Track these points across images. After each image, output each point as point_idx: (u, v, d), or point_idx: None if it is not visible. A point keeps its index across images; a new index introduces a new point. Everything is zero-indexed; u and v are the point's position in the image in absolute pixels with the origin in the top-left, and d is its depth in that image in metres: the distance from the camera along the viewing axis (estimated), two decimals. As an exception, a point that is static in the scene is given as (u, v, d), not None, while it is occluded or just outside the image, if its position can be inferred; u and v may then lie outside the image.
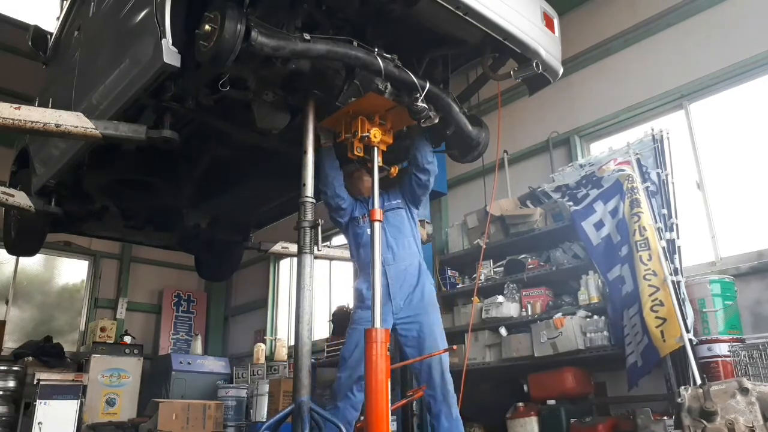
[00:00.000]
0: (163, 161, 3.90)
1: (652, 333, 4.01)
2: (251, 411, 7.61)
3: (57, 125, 2.99)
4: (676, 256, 4.17)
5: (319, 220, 3.00)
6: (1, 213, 5.45)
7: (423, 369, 3.23)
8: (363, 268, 3.48)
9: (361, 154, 3.06)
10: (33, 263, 9.15)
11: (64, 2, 4.64)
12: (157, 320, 10.17)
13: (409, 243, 3.47)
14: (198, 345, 9.43)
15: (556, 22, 3.46)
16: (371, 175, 3.29)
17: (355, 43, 2.81)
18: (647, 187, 4.45)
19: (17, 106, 3.02)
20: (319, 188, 3.32)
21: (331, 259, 6.56)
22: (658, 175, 4.46)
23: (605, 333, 4.52)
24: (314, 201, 3.06)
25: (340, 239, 8.14)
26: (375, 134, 2.99)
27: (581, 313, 4.74)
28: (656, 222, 4.29)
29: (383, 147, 3.07)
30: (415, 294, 3.36)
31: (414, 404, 4.87)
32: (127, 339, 8.49)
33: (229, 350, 10.21)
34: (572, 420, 4.46)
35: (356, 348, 3.20)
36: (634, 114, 5.51)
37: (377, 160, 3.02)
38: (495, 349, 5.28)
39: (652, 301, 4.05)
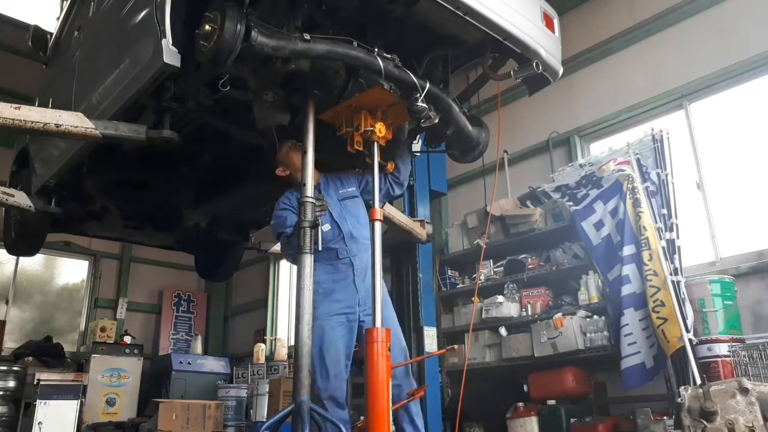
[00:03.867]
0: (163, 161, 3.89)
1: (656, 334, 4.01)
2: (251, 411, 7.61)
3: (57, 125, 2.99)
4: (676, 256, 4.17)
5: (320, 220, 3.00)
6: (1, 213, 5.45)
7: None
8: (320, 260, 3.09)
9: (361, 149, 3.05)
10: (33, 263, 9.14)
11: (64, 2, 4.64)
12: (157, 320, 10.16)
13: (366, 235, 3.29)
14: (198, 345, 9.43)
15: (556, 22, 3.45)
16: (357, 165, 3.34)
17: (355, 43, 2.81)
18: (647, 187, 4.44)
19: (17, 106, 3.01)
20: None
21: (331, 259, 6.54)
22: (658, 175, 4.46)
23: (605, 333, 4.52)
24: (314, 201, 3.05)
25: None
26: (380, 129, 2.99)
27: (581, 313, 4.74)
28: (656, 222, 4.29)
29: (383, 143, 3.07)
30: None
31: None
32: (127, 339, 8.49)
33: (229, 350, 10.21)
34: (572, 420, 4.46)
35: (332, 345, 3.05)
36: (634, 114, 5.51)
37: (377, 156, 3.02)
38: (495, 349, 5.28)
39: (654, 301, 4.05)
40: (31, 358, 7.77)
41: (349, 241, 3.20)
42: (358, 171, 3.56)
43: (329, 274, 3.19)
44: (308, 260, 2.93)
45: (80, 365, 8.10)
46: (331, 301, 3.14)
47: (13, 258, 8.53)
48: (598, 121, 5.78)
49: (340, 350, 3.04)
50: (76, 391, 7.01)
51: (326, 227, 3.12)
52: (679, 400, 3.11)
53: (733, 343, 3.87)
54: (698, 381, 3.55)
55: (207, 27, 2.56)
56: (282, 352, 8.36)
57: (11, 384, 7.28)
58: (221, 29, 2.48)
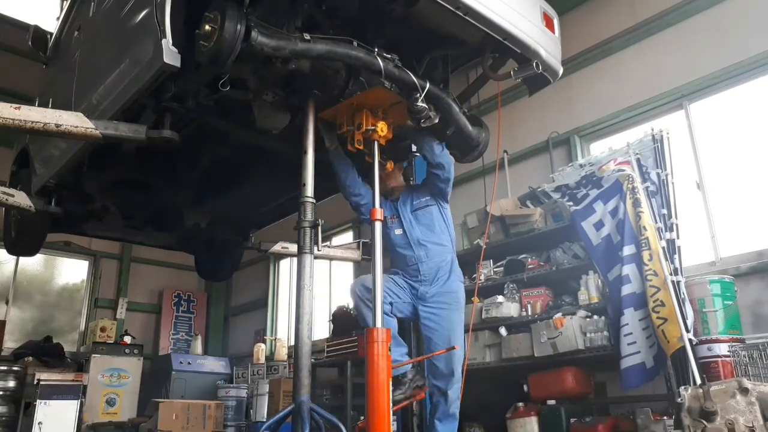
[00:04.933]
0: (163, 161, 3.90)
1: (656, 334, 4.01)
2: (251, 411, 7.61)
3: (57, 125, 2.99)
4: (676, 256, 4.16)
5: (319, 220, 3.01)
6: (1, 213, 5.45)
7: (433, 360, 3.30)
8: (395, 265, 3.62)
9: (361, 147, 3.06)
10: (33, 263, 9.15)
11: (64, 2, 4.64)
12: (157, 320, 10.17)
13: (441, 240, 3.54)
14: (198, 345, 9.43)
15: (556, 22, 3.46)
16: (382, 173, 3.40)
17: (355, 43, 2.81)
18: (647, 187, 4.44)
19: (17, 106, 3.01)
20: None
21: (331, 259, 6.55)
22: (658, 175, 4.45)
23: (605, 333, 4.52)
24: (314, 201, 3.06)
25: (340, 239, 8.14)
26: (382, 128, 2.99)
27: (581, 313, 4.74)
28: (656, 222, 4.29)
29: (383, 142, 3.07)
30: (444, 287, 3.44)
31: (414, 404, 4.87)
32: (127, 339, 8.49)
33: (229, 350, 10.22)
34: (572, 420, 4.45)
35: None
36: (634, 114, 5.51)
37: (377, 155, 3.02)
38: (495, 349, 5.28)
39: (654, 301, 4.05)
40: (31, 358, 7.77)
41: (417, 248, 3.47)
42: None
43: (396, 274, 3.52)
44: (308, 260, 2.93)
45: (80, 365, 8.10)
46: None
47: (13, 258, 8.54)
48: (598, 121, 5.78)
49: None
50: (76, 391, 7.01)
51: (398, 231, 3.51)
52: (679, 400, 3.10)
53: (733, 343, 3.87)
54: (698, 381, 3.54)
55: (207, 27, 2.57)
56: (282, 352, 8.36)
57: (11, 384, 7.28)
58: (221, 29, 2.48)
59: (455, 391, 3.32)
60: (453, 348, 3.22)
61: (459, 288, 3.51)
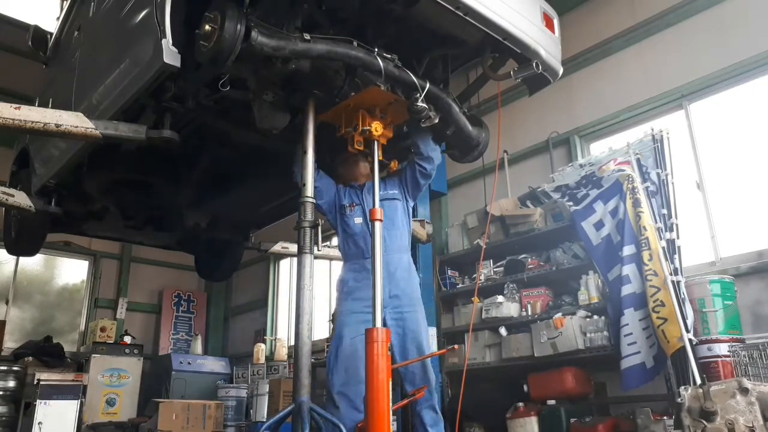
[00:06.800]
0: (163, 161, 3.90)
1: (656, 334, 4.02)
2: (251, 411, 7.61)
3: (57, 125, 2.99)
4: (676, 256, 4.17)
5: (319, 220, 3.01)
6: (1, 213, 5.45)
7: (410, 367, 3.20)
8: (349, 258, 3.41)
9: (362, 148, 3.07)
10: (33, 263, 9.15)
11: (64, 2, 4.64)
12: (157, 320, 10.17)
13: (401, 235, 3.42)
14: (198, 345, 9.44)
15: (556, 22, 3.46)
16: (369, 162, 3.32)
17: (355, 43, 2.81)
18: (647, 187, 4.45)
19: (17, 106, 3.01)
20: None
21: (331, 259, 6.54)
22: (658, 175, 4.46)
23: (605, 333, 4.52)
24: (314, 201, 3.06)
25: (340, 239, 8.14)
26: (376, 128, 2.99)
27: (581, 313, 4.74)
28: (656, 222, 4.29)
29: (383, 141, 3.08)
30: (405, 289, 3.32)
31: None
32: (127, 339, 8.49)
33: (229, 350, 10.22)
34: (572, 420, 4.46)
35: (348, 342, 3.15)
36: (634, 114, 5.51)
37: (377, 154, 3.02)
38: (495, 349, 5.28)
39: (654, 301, 4.06)
40: (31, 358, 7.77)
41: None
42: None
43: (354, 272, 3.33)
44: (308, 260, 2.93)
45: (80, 365, 8.11)
46: (353, 299, 3.26)
47: (13, 258, 8.54)
48: (598, 121, 5.78)
49: (359, 348, 3.01)
50: (76, 391, 7.01)
51: (358, 219, 3.36)
52: (679, 400, 3.11)
53: (733, 343, 3.87)
54: (698, 381, 3.55)
55: (207, 27, 2.57)
56: (282, 352, 8.37)
57: (11, 384, 7.28)
58: (221, 29, 2.49)
59: (434, 391, 3.27)
60: (445, 352, 3.18)
61: (418, 288, 3.43)
